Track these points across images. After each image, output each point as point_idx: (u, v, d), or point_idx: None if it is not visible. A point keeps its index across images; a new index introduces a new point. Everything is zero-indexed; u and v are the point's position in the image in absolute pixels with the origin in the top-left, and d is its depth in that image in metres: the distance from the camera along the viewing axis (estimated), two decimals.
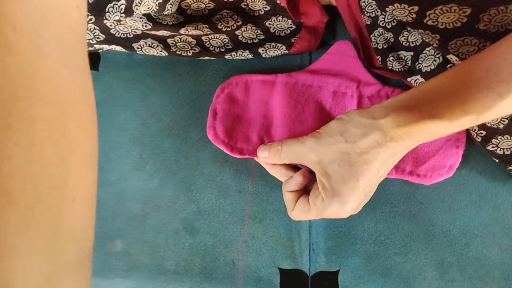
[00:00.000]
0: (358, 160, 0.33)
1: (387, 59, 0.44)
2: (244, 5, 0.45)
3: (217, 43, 0.46)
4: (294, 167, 0.42)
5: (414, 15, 0.36)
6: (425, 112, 0.30)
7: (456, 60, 0.37)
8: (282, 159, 0.39)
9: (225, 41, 0.46)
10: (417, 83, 0.44)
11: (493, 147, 0.42)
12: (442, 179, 0.43)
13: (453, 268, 0.44)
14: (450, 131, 0.31)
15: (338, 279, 0.45)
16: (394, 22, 0.42)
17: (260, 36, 0.47)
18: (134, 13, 0.40)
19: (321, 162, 0.35)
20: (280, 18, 0.45)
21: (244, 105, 0.45)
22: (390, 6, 0.37)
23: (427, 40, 0.39)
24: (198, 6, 0.45)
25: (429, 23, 0.35)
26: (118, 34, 0.45)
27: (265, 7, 0.44)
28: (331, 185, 0.34)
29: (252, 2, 0.44)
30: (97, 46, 0.46)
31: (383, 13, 0.41)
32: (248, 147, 0.44)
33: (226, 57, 0.48)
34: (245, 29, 0.46)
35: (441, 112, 0.30)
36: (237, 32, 0.46)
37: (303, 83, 0.45)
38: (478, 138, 0.42)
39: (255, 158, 0.43)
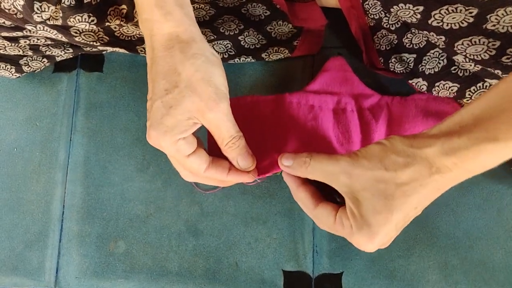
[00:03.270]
0: (396, 192, 0.30)
1: (390, 61, 0.44)
2: (244, 10, 0.45)
3: (220, 48, 0.46)
4: (321, 198, 0.36)
5: (418, 16, 0.36)
6: (475, 137, 0.27)
7: (463, 61, 0.37)
8: (307, 174, 0.34)
9: (228, 46, 0.46)
10: (418, 85, 0.43)
11: None
12: None
13: (457, 271, 0.44)
14: (503, 157, 0.28)
15: (342, 281, 0.44)
16: (398, 24, 0.42)
17: (262, 41, 0.47)
18: (134, 18, 0.40)
19: (352, 186, 0.31)
20: (280, 22, 0.45)
21: (248, 127, 0.41)
22: (394, 7, 0.37)
23: (432, 42, 0.39)
24: (198, 13, 0.45)
25: (434, 23, 0.35)
26: (122, 36, 0.45)
27: (265, 12, 0.44)
28: (361, 214, 0.31)
29: (252, 7, 0.44)
30: (101, 48, 0.46)
31: (387, 14, 0.41)
32: (261, 165, 0.40)
33: (230, 62, 0.48)
34: (248, 34, 0.46)
35: (494, 135, 0.27)
36: (239, 38, 0.46)
37: (305, 103, 0.44)
38: None
39: (284, 176, 0.38)
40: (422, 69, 0.43)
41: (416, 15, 0.36)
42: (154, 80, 0.32)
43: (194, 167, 0.34)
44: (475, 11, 0.32)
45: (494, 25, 0.32)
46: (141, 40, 0.46)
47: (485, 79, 0.38)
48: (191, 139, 0.33)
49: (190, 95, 0.31)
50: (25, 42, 0.45)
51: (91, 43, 0.44)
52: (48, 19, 0.38)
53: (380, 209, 0.30)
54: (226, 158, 0.36)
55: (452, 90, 0.41)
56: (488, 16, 0.32)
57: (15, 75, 0.49)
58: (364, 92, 0.45)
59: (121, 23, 0.40)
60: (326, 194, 0.38)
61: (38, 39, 0.45)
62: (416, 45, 0.42)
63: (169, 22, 0.32)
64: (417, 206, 0.31)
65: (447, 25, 0.35)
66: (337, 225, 0.33)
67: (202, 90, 0.31)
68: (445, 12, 0.34)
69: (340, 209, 0.34)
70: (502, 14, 0.31)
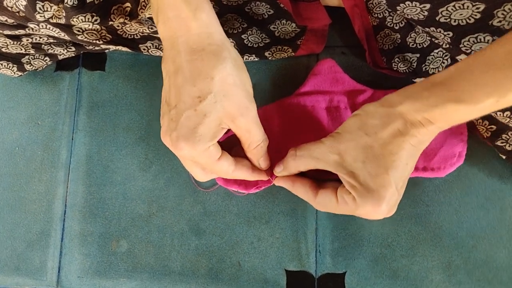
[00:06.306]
0: (383, 152, 0.31)
1: (393, 60, 0.44)
2: (248, 9, 0.45)
3: None
4: (319, 186, 0.37)
5: (426, 13, 0.36)
6: (442, 96, 0.29)
7: None
8: (298, 166, 0.35)
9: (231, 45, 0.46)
10: None
11: (502, 142, 0.41)
12: (454, 168, 0.43)
13: (460, 271, 0.44)
14: (471, 116, 0.29)
15: (345, 281, 0.44)
16: (402, 23, 0.41)
17: (265, 40, 0.47)
18: (139, 16, 0.40)
19: (344, 162, 0.32)
20: (284, 21, 0.45)
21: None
22: (401, 5, 0.37)
23: (438, 40, 0.38)
24: None
25: (442, 20, 0.35)
26: (125, 35, 0.45)
27: (269, 11, 0.44)
28: (360, 183, 0.32)
29: (255, 6, 0.44)
30: (103, 46, 0.46)
31: (391, 13, 0.41)
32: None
33: None
34: (251, 33, 0.46)
35: (459, 95, 0.28)
36: (243, 36, 0.46)
37: (297, 105, 0.44)
38: (487, 133, 0.42)
39: (275, 182, 0.40)
40: (425, 68, 0.43)
41: (423, 12, 0.36)
42: (182, 86, 0.31)
43: (223, 169, 0.34)
44: (482, 6, 0.32)
45: (500, 21, 0.32)
46: (144, 39, 0.46)
47: None
48: (217, 143, 0.33)
49: (223, 100, 0.30)
50: (27, 40, 0.44)
51: (94, 41, 0.43)
52: (51, 17, 0.38)
53: (375, 172, 0.31)
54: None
55: None
56: (495, 12, 0.32)
57: (17, 74, 0.49)
58: (356, 88, 0.45)
59: (125, 21, 0.40)
60: (323, 181, 0.38)
61: (40, 37, 0.45)
62: (419, 45, 0.42)
63: (198, 21, 0.30)
64: (407, 162, 0.32)
65: (455, 21, 0.35)
66: (341, 204, 0.34)
67: (234, 95, 0.31)
68: (452, 9, 0.34)
69: (339, 189, 0.35)
70: (509, 9, 0.31)
